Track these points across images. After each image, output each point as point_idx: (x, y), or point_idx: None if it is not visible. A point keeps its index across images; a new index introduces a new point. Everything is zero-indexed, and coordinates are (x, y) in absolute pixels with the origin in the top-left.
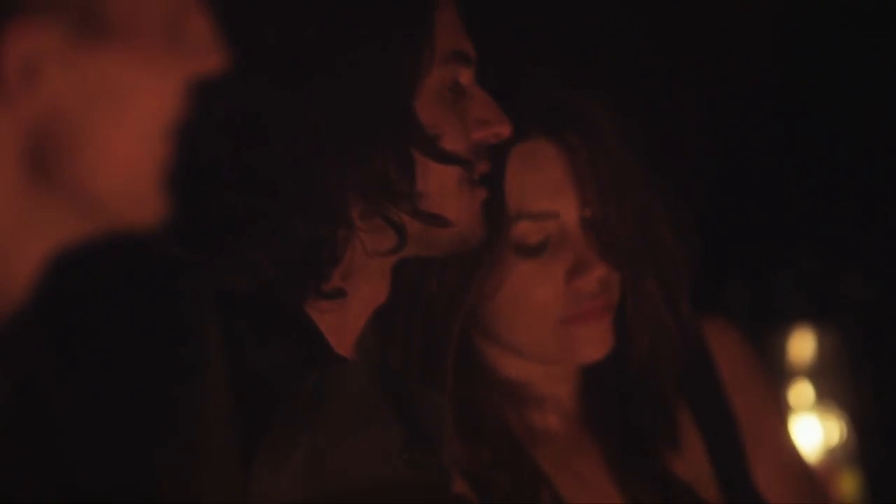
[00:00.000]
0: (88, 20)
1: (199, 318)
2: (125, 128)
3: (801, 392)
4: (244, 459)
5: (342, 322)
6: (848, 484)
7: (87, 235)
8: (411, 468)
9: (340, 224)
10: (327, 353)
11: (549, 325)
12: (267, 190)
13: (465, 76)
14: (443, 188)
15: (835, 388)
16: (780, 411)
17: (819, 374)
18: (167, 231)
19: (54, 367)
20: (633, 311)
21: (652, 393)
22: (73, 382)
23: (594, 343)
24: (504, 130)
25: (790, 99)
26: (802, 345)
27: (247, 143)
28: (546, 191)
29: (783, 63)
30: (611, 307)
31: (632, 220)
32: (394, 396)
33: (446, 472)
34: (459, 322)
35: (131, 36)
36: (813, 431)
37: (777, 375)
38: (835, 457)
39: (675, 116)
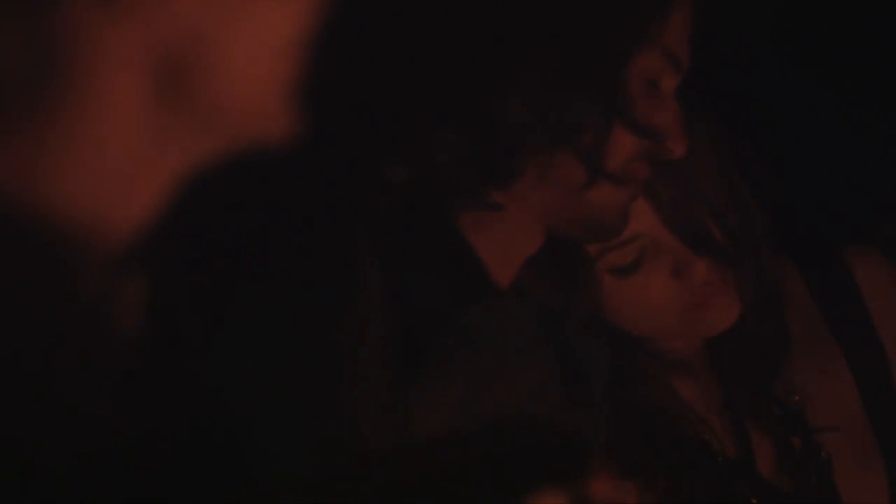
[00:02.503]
0: None
1: (354, 241)
2: (257, 40)
3: None
4: (402, 392)
5: (503, 255)
6: None
7: (218, 153)
8: (566, 405)
9: (527, 142)
10: (487, 285)
11: (674, 316)
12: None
13: (669, 81)
14: (616, 159)
15: None
16: None
17: None
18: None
19: (193, 294)
20: (738, 278)
21: (760, 336)
22: (215, 311)
23: (723, 314)
24: (679, 150)
25: None
26: None
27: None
28: None
29: None
30: (728, 278)
31: (710, 203)
32: (551, 335)
33: (600, 413)
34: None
35: None
36: None
37: None
38: None
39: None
